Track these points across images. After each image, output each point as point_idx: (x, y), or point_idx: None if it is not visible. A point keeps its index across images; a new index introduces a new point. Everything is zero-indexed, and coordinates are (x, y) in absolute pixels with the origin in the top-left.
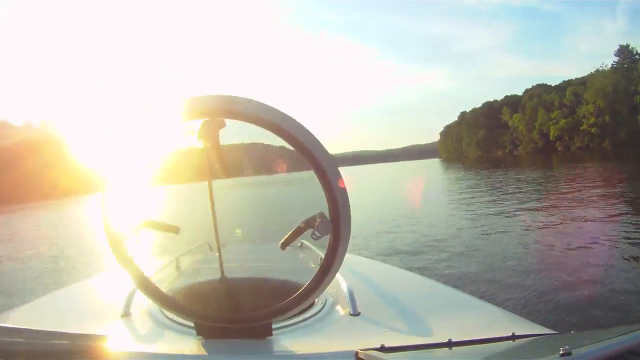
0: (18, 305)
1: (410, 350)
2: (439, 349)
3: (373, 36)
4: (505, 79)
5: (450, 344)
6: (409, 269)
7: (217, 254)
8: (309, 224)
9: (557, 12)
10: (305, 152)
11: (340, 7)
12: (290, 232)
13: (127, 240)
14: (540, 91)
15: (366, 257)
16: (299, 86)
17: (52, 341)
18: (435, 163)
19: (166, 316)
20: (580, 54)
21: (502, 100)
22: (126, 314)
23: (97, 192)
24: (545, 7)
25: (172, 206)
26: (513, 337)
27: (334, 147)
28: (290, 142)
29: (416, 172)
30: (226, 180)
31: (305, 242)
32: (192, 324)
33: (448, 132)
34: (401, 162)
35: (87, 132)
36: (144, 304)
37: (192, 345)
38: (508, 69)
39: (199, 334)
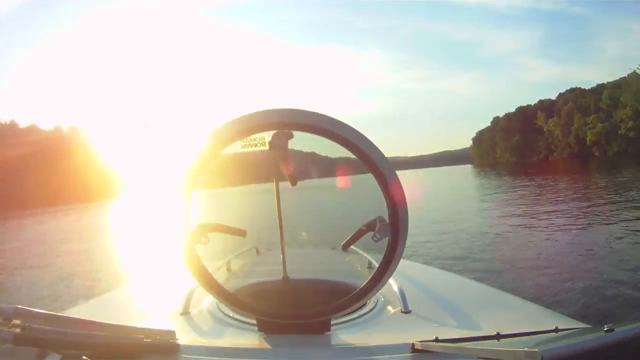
0: (81, 301)
1: (462, 342)
2: (488, 341)
3: (401, 43)
4: (534, 84)
5: (498, 337)
6: (453, 271)
7: (281, 256)
8: (369, 227)
9: (586, 15)
10: (369, 162)
11: (370, 14)
12: (352, 234)
13: (196, 242)
14: (574, 95)
15: (410, 260)
16: (328, 93)
17: (128, 335)
18: (467, 170)
19: (225, 314)
20: (609, 58)
21: (536, 104)
22: (185, 312)
23: (121, 196)
24: (573, 10)
25: (241, 209)
26: (556, 330)
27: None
28: (354, 153)
29: (449, 178)
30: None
31: (352, 247)
32: (252, 321)
33: (481, 138)
34: (431, 169)
35: (115, 138)
36: (202, 303)
37: (254, 340)
38: (537, 74)
39: (260, 329)
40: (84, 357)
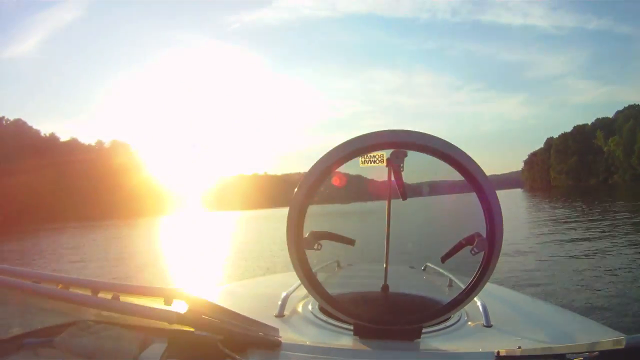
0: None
1: (546, 351)
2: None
3: (448, 65)
4: (581, 106)
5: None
6: (527, 294)
7: (385, 265)
8: (468, 241)
9: (632, 35)
10: (475, 184)
11: (417, 37)
12: (451, 247)
13: (309, 248)
14: (634, 112)
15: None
16: (377, 117)
17: (244, 325)
18: (517, 194)
19: (319, 318)
20: None
21: (593, 123)
22: (280, 314)
23: (172, 213)
24: (620, 30)
25: (345, 224)
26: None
27: (405, 177)
28: (462, 173)
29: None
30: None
31: (430, 265)
32: (346, 326)
33: (533, 160)
34: (450, 195)
35: (165, 157)
36: (297, 307)
37: (350, 343)
38: (583, 95)
39: (355, 334)
40: (220, 343)
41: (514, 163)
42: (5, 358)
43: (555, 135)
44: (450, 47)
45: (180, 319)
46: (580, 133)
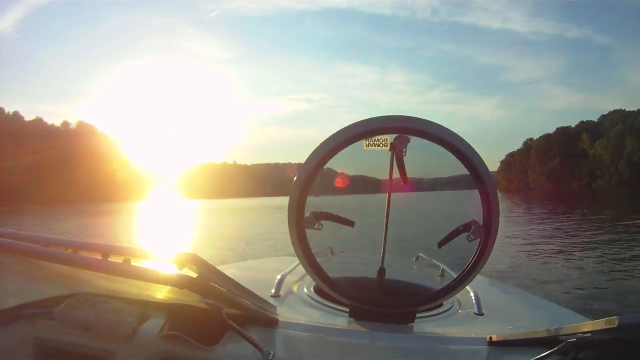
0: None
1: (539, 335)
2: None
3: (424, 64)
4: (554, 112)
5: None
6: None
7: (382, 249)
8: (465, 227)
9: (610, 45)
10: (474, 171)
11: (395, 34)
12: (448, 233)
13: (310, 227)
14: (621, 116)
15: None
16: (351, 112)
17: (247, 299)
18: (462, 197)
19: (314, 299)
20: (630, 89)
21: (577, 126)
22: (276, 295)
23: (145, 199)
24: (599, 39)
25: (351, 207)
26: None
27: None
28: (462, 160)
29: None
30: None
31: (422, 255)
32: (342, 308)
33: (511, 161)
34: (447, 192)
35: (136, 141)
36: (292, 288)
37: (345, 323)
38: (558, 102)
39: (351, 315)
40: (225, 314)
41: (488, 163)
42: (3, 328)
43: (534, 137)
44: (427, 46)
45: (191, 283)
46: (564, 135)
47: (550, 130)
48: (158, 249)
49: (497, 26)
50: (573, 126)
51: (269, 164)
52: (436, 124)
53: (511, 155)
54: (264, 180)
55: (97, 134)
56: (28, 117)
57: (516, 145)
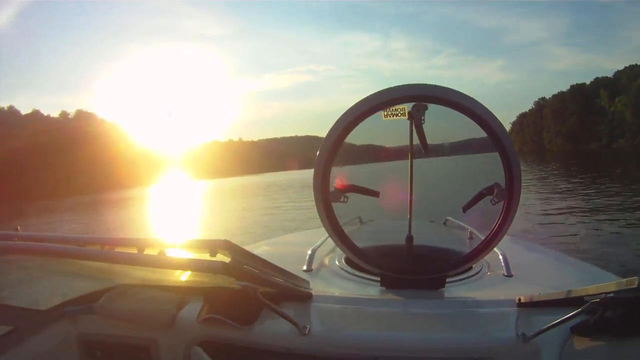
0: None
1: (565, 295)
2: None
3: (426, 29)
4: (558, 72)
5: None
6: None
7: (408, 217)
8: (488, 191)
9: (611, 4)
10: (494, 136)
11: (394, 1)
12: (472, 197)
13: (336, 201)
14: (637, 72)
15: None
16: (355, 81)
17: (280, 277)
18: (484, 160)
19: (346, 271)
20: (634, 47)
21: (592, 82)
22: (309, 269)
23: (158, 183)
24: None
25: (375, 177)
26: None
27: (351, 139)
28: (481, 126)
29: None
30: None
31: (450, 219)
32: (373, 278)
33: (523, 122)
34: (456, 157)
35: (142, 126)
36: (323, 261)
37: (378, 293)
38: (563, 62)
39: (382, 284)
40: (259, 293)
41: (471, 126)
42: (46, 328)
43: (545, 97)
44: (428, 11)
45: (225, 268)
46: (580, 92)
47: (558, 90)
48: (190, 238)
49: None
50: (588, 83)
51: (275, 139)
52: (454, 90)
53: (523, 116)
54: (272, 155)
55: (97, 120)
56: (25, 111)
57: (524, 106)
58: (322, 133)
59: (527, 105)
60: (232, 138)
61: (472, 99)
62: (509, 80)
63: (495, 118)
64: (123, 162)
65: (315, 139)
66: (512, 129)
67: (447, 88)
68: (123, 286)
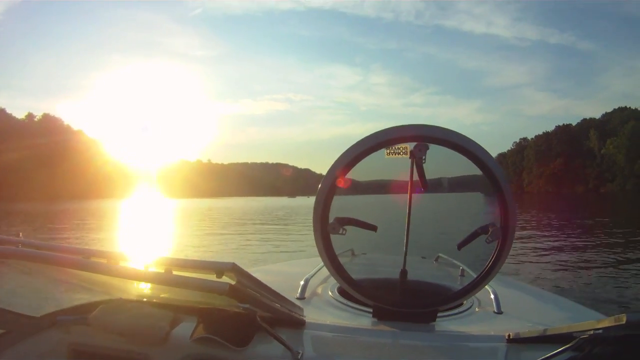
0: None
1: (553, 329)
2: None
3: (407, 67)
4: (535, 117)
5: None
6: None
7: (404, 250)
8: (483, 230)
9: (593, 52)
10: (491, 177)
11: (379, 36)
12: (467, 236)
13: (334, 233)
14: (625, 114)
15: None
16: (332, 113)
17: (277, 302)
18: (476, 199)
19: (339, 301)
20: (612, 95)
21: (579, 123)
22: (302, 297)
23: (128, 197)
24: (582, 45)
25: (373, 211)
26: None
27: (352, 173)
28: (480, 168)
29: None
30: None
31: (443, 256)
32: (365, 309)
33: (502, 162)
34: (452, 194)
35: (116, 140)
36: (317, 290)
37: (369, 324)
38: (539, 107)
39: (374, 316)
40: (258, 317)
41: (469, 166)
42: (38, 334)
43: (527, 138)
44: (410, 49)
45: (231, 290)
46: (566, 133)
47: (534, 133)
48: (196, 259)
49: (481, 30)
50: (574, 125)
51: (246, 164)
52: (455, 132)
53: (503, 157)
54: (242, 179)
55: (63, 126)
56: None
57: (500, 147)
58: (294, 162)
59: (503, 147)
60: (201, 159)
61: (473, 141)
62: (485, 122)
63: (494, 160)
64: (91, 171)
65: (285, 167)
66: None
67: (450, 130)
68: (118, 300)
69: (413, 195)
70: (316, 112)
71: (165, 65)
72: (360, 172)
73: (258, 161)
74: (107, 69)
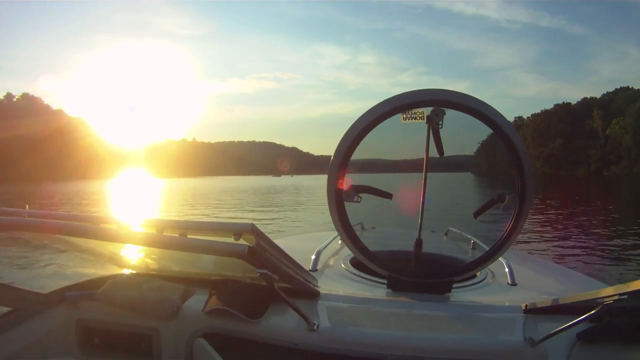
0: None
1: (567, 299)
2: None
3: (396, 47)
4: (523, 98)
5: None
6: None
7: (419, 221)
8: (499, 198)
9: (584, 36)
10: (509, 144)
11: (370, 15)
12: (483, 204)
13: (350, 201)
14: (629, 94)
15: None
16: (320, 92)
17: (295, 270)
18: (468, 179)
19: (351, 272)
20: (601, 79)
21: (579, 102)
22: (314, 269)
23: (115, 177)
24: (572, 29)
25: (384, 186)
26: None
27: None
28: (497, 133)
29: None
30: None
31: (453, 229)
32: (379, 280)
33: (496, 142)
34: (420, 174)
35: (104, 120)
36: (328, 262)
37: (384, 294)
38: (527, 88)
39: (389, 287)
40: (275, 285)
41: (460, 146)
42: (46, 312)
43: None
44: (400, 29)
45: (250, 252)
46: (566, 112)
47: (522, 115)
48: (213, 221)
49: (471, 12)
50: (573, 103)
51: (232, 142)
52: (473, 97)
53: (495, 137)
54: (228, 158)
55: (43, 105)
56: None
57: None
58: (282, 140)
59: None
60: (186, 138)
61: (491, 107)
62: None
63: (512, 127)
64: (77, 152)
65: (272, 145)
66: (480, 149)
67: (468, 95)
68: (127, 274)
69: (419, 173)
70: (304, 91)
71: (153, 45)
72: (376, 145)
73: (245, 140)
74: (95, 49)
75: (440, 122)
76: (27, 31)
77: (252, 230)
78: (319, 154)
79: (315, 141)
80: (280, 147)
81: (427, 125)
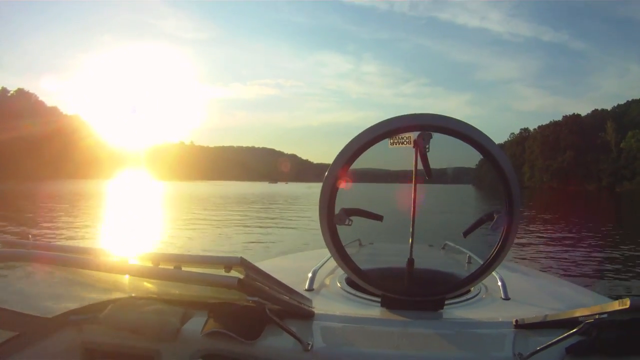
0: None
1: (560, 316)
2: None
3: (399, 57)
4: (524, 112)
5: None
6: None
7: (410, 241)
8: (488, 217)
9: (586, 51)
10: (497, 166)
11: (373, 25)
12: (473, 223)
13: (341, 224)
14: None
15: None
16: (322, 100)
17: (286, 294)
18: (469, 191)
19: (347, 291)
20: (603, 95)
21: (589, 114)
22: (310, 288)
23: (113, 177)
24: (575, 45)
25: (378, 200)
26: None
27: (356, 163)
28: (484, 155)
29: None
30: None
31: (449, 244)
32: (373, 298)
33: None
34: (457, 185)
35: (106, 121)
36: (325, 281)
37: (378, 313)
38: (528, 103)
39: (383, 305)
40: (268, 310)
41: (468, 158)
42: (51, 335)
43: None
44: (403, 40)
45: (240, 284)
46: (577, 124)
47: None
48: (205, 255)
49: (475, 24)
50: (582, 115)
51: (231, 147)
52: (458, 120)
53: (501, 148)
54: (226, 163)
55: (38, 101)
56: None
57: (494, 139)
58: (281, 147)
59: (495, 139)
60: (184, 141)
61: (476, 129)
62: (474, 115)
63: (499, 149)
64: (77, 152)
65: (272, 152)
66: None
67: (453, 118)
68: (129, 298)
69: (418, 184)
70: (306, 99)
71: (156, 47)
72: (365, 161)
73: (245, 145)
74: (98, 50)
75: (427, 146)
76: (29, 30)
77: (242, 263)
78: (318, 161)
79: (314, 149)
80: (280, 153)
81: (414, 149)
